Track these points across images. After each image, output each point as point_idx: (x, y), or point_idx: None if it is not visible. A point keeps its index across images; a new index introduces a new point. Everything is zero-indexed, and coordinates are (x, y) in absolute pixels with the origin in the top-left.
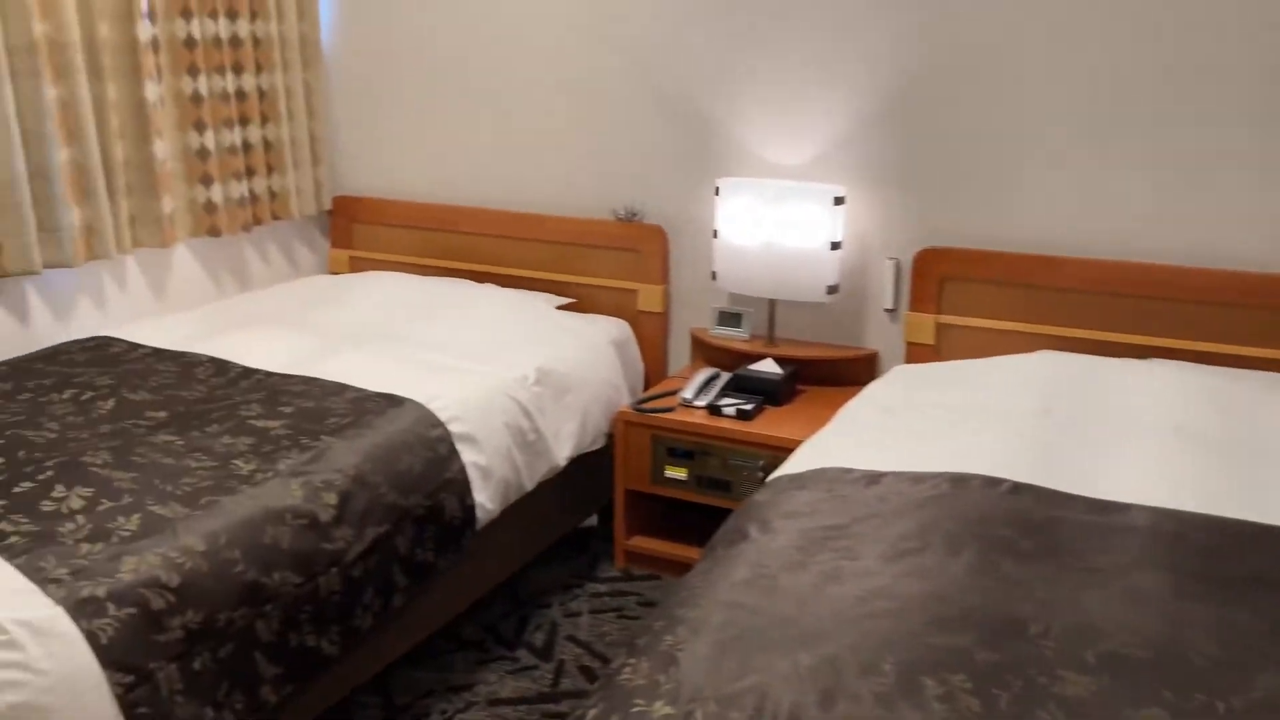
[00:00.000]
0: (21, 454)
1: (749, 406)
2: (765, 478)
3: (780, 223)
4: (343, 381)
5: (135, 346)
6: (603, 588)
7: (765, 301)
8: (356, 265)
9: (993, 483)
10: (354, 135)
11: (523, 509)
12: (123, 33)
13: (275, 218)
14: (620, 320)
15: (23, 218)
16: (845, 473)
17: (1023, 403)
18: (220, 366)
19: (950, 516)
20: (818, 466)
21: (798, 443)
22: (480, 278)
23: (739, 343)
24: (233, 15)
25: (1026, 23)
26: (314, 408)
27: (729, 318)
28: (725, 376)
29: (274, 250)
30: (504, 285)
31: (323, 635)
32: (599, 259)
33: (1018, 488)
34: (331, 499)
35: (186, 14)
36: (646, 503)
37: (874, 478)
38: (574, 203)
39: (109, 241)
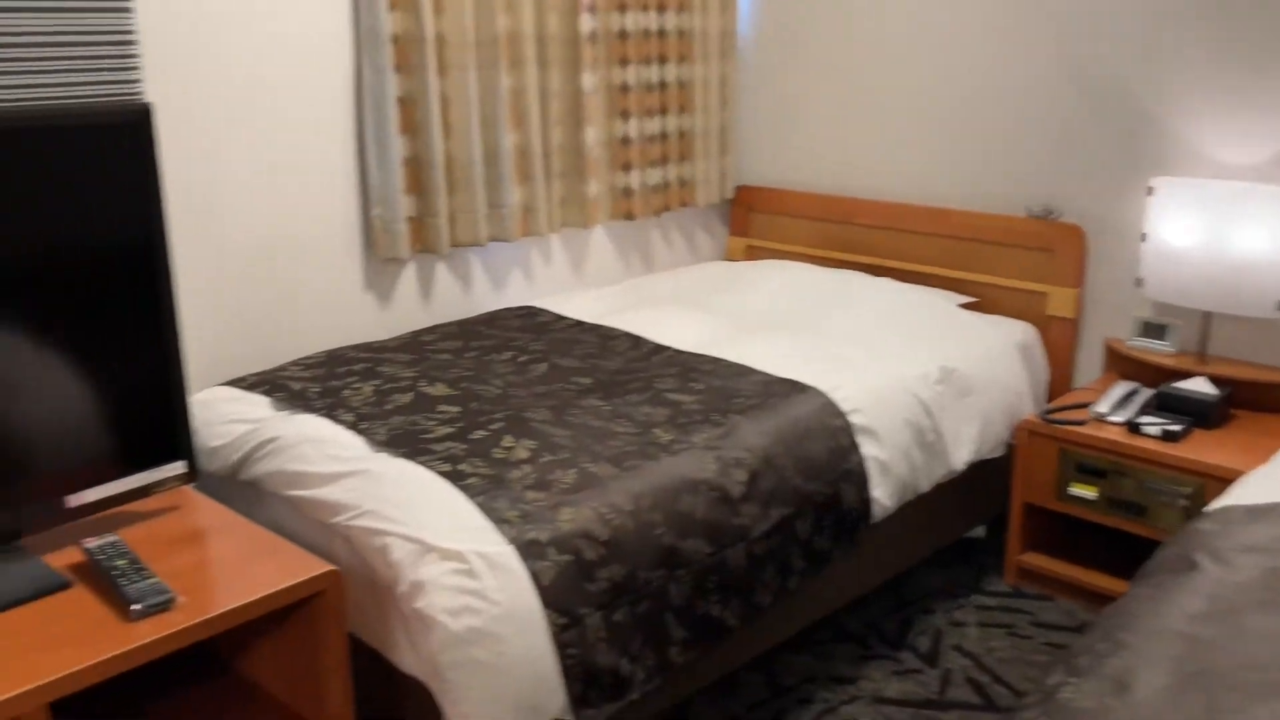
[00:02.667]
0: (474, 405)
1: (1177, 428)
2: (1189, 506)
3: (1225, 229)
4: (747, 365)
5: (559, 318)
6: (990, 601)
7: (1198, 314)
8: (752, 253)
9: None
10: (759, 126)
11: (914, 509)
12: (568, 26)
13: (683, 204)
14: (1026, 324)
15: (475, 195)
16: None
17: None
18: (635, 341)
19: None
20: (1278, 500)
21: (1233, 471)
22: (876, 271)
23: (1163, 357)
24: (661, 9)
25: None
26: (722, 387)
27: (1152, 329)
28: (1147, 393)
29: (677, 235)
30: (901, 280)
31: (726, 606)
32: (1006, 258)
33: None
34: (742, 476)
35: (622, 7)
36: (1043, 518)
37: None
38: (982, 197)
39: (542, 220)
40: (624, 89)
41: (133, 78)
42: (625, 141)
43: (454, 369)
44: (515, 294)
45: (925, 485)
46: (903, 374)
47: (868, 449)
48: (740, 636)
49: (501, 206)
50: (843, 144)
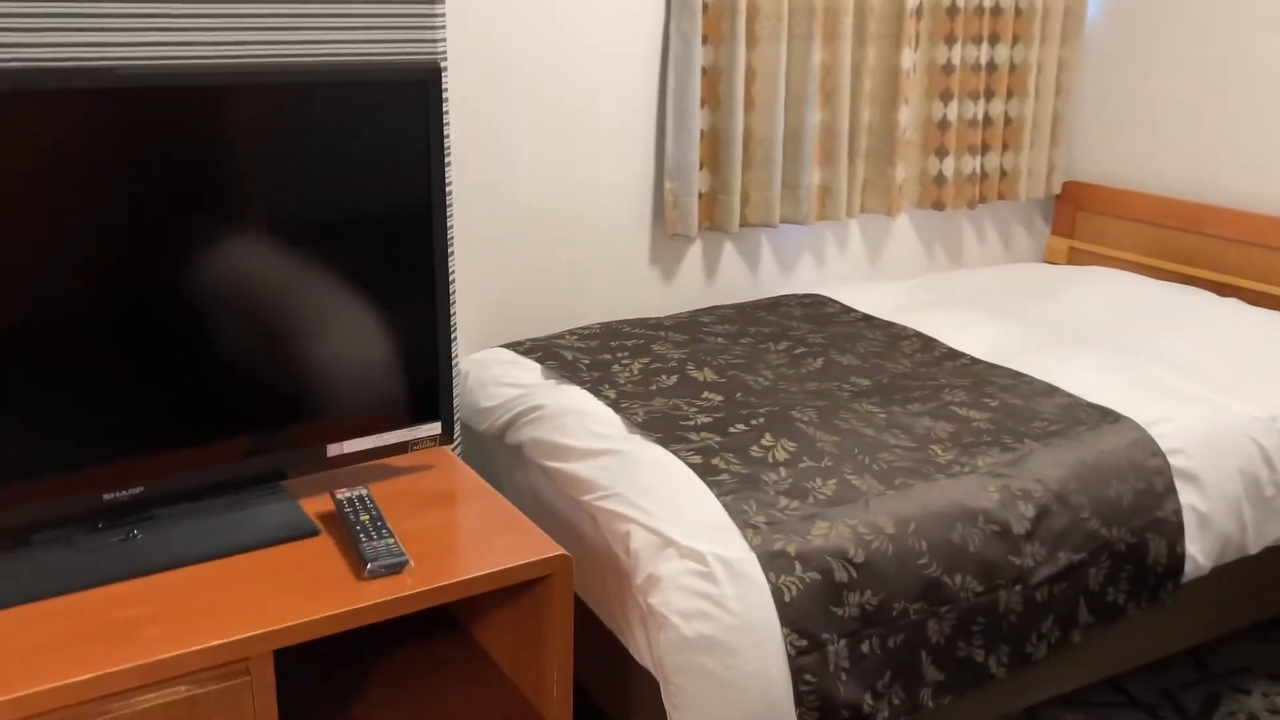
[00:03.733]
0: (739, 396)
1: None
2: None
3: None
4: (1052, 383)
5: (847, 309)
6: None
7: None
8: (1075, 257)
9: None
10: (1097, 116)
11: (1235, 570)
12: None
13: (1000, 197)
14: None
15: (772, 174)
16: None
17: None
18: (926, 343)
19: None
20: None
21: None
22: (1223, 290)
23: None
24: None
25: None
26: (1020, 406)
27: None
28: None
29: (991, 230)
30: (1253, 302)
31: (991, 653)
32: None
33: None
34: (1028, 511)
35: None
36: None
37: None
38: None
39: (840, 203)
40: (947, 69)
41: (437, 36)
42: (942, 125)
43: (725, 354)
44: (803, 280)
45: (1254, 547)
46: (1241, 414)
47: (1187, 497)
48: (1004, 684)
49: (798, 187)
50: (1196, 142)
